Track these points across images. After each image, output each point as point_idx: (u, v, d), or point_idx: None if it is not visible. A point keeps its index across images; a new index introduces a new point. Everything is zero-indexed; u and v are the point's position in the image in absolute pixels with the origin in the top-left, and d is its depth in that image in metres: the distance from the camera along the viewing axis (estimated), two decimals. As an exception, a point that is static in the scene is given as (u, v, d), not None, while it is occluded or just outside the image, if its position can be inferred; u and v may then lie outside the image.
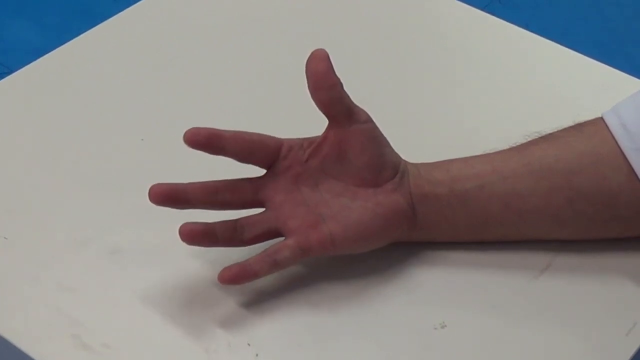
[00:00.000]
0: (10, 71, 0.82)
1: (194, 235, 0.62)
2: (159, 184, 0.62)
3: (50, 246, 0.67)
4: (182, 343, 0.61)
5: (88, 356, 0.60)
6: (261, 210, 0.64)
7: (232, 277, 0.60)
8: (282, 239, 0.63)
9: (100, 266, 0.66)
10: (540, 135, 0.66)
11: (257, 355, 0.61)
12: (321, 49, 0.62)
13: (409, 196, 0.64)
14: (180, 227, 0.62)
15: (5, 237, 0.67)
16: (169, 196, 0.62)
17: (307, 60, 0.62)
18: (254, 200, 0.64)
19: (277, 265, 0.61)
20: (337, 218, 0.62)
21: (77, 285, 0.64)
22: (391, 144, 0.66)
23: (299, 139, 0.65)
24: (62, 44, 0.85)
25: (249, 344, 0.61)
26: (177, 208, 0.63)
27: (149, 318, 0.63)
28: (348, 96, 0.63)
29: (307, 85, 0.63)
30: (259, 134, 0.64)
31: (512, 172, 0.64)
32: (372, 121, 0.64)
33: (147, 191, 0.62)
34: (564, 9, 2.19)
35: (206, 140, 0.62)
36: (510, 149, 0.66)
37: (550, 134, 0.66)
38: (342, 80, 0.62)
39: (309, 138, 0.64)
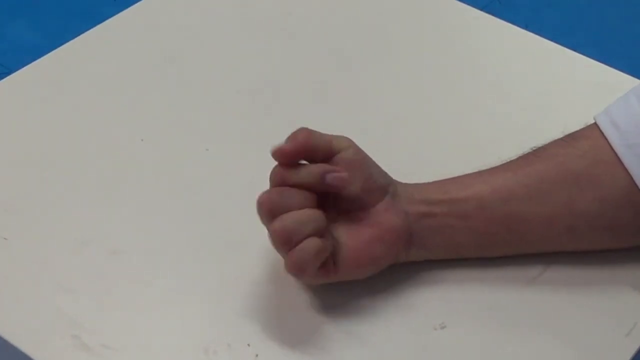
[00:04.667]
0: (10, 71, 0.82)
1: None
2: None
3: (50, 246, 0.67)
4: (182, 344, 0.61)
5: (88, 357, 0.60)
6: None
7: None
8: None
9: (100, 266, 0.66)
10: (534, 150, 0.66)
11: (257, 355, 0.61)
12: (280, 148, 0.61)
13: (404, 216, 0.63)
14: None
15: (5, 238, 0.67)
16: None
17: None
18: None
19: None
20: (335, 245, 0.61)
21: (77, 286, 0.64)
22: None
23: None
24: (62, 44, 0.85)
25: (249, 344, 0.61)
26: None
27: (148, 319, 0.63)
28: (319, 136, 0.62)
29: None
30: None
31: (511, 194, 0.64)
32: (354, 145, 0.63)
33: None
34: (564, 9, 2.19)
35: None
36: (505, 168, 0.66)
37: (544, 149, 0.66)
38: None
39: None
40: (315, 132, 0.62)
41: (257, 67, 0.84)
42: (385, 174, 0.65)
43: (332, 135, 0.62)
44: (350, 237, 0.62)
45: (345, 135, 0.63)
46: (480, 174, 0.66)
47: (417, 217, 0.63)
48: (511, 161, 0.66)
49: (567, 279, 0.66)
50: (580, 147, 0.65)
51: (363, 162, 0.63)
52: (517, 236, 0.65)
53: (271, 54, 0.85)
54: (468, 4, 0.92)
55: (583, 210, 0.64)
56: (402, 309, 0.64)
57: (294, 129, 0.65)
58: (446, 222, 0.64)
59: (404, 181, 0.65)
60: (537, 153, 0.66)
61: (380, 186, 0.63)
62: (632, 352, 0.62)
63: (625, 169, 0.63)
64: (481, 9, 0.91)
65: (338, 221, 0.62)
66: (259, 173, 0.65)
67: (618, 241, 0.66)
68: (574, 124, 0.67)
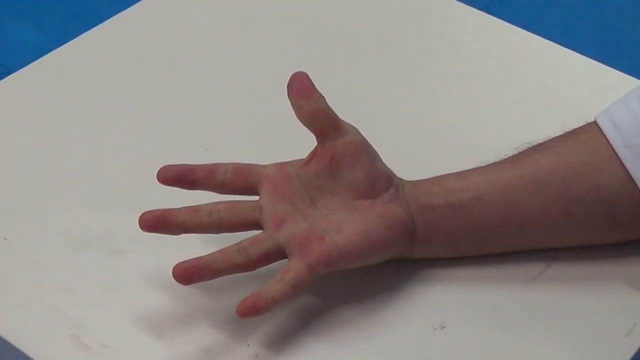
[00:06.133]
0: (10, 71, 0.82)
1: (190, 275, 0.60)
2: (147, 214, 0.62)
3: (50, 246, 0.67)
4: (181, 344, 0.61)
5: (87, 357, 0.60)
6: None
7: (251, 309, 0.58)
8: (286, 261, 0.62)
9: (100, 266, 0.66)
10: (531, 146, 0.66)
11: (256, 355, 0.61)
12: (300, 71, 0.63)
13: (408, 207, 0.63)
14: (173, 270, 0.60)
15: (5, 238, 0.67)
16: (157, 224, 0.62)
17: (288, 82, 0.63)
18: (252, 221, 0.63)
19: (291, 286, 0.59)
20: (340, 230, 0.61)
21: (76, 286, 0.64)
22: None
23: (287, 161, 0.65)
24: (61, 45, 0.85)
25: (248, 345, 0.61)
26: (171, 234, 0.62)
27: (148, 319, 0.63)
28: (333, 110, 0.63)
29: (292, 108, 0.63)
30: (236, 168, 0.64)
31: (507, 185, 0.64)
32: (360, 134, 0.64)
33: (145, 207, 0.62)
34: (564, 9, 2.19)
35: (176, 177, 0.63)
36: (503, 161, 0.66)
37: (542, 144, 0.66)
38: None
39: (299, 159, 0.64)
40: (327, 104, 0.62)
41: (257, 66, 0.84)
42: (389, 169, 0.65)
43: (343, 120, 0.63)
44: (356, 222, 0.62)
45: None
46: (477, 167, 0.66)
47: (418, 210, 0.64)
48: (509, 156, 0.66)
49: (566, 278, 0.66)
50: (578, 139, 0.65)
51: (370, 151, 0.64)
52: (514, 228, 0.65)
53: (272, 53, 0.85)
54: (468, 4, 0.92)
55: (579, 196, 0.64)
56: (402, 309, 0.64)
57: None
58: (444, 214, 0.64)
59: (403, 180, 0.66)
60: (534, 147, 0.66)
61: (386, 177, 0.64)
62: (632, 352, 0.62)
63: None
64: (481, 9, 0.91)
65: (343, 208, 0.63)
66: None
67: (616, 230, 0.66)
68: (574, 124, 0.67)
